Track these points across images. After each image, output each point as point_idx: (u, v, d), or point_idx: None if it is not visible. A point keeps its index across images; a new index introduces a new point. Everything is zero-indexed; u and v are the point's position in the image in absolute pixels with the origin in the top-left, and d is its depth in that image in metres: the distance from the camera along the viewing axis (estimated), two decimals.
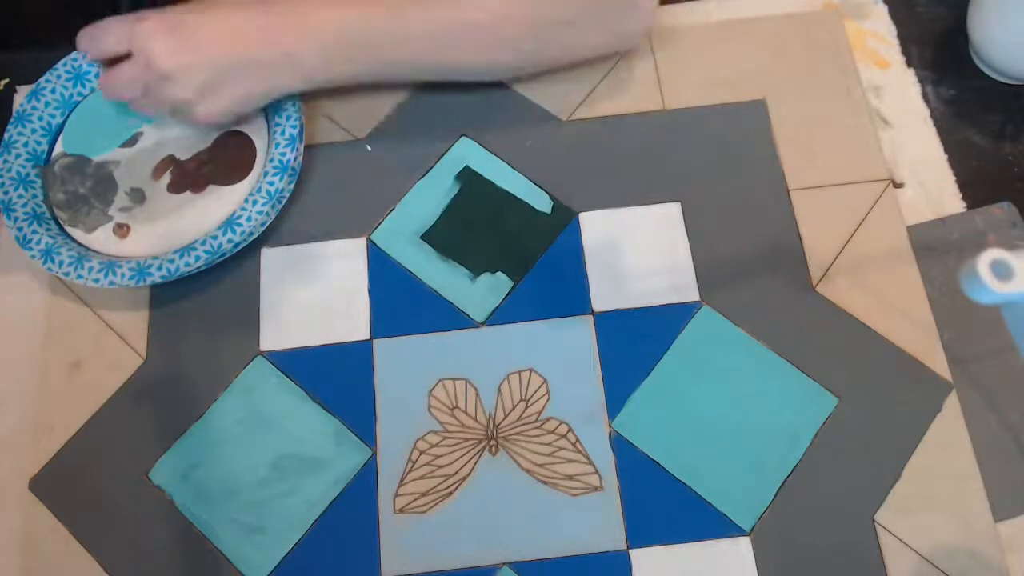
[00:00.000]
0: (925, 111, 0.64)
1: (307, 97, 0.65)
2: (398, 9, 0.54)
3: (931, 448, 0.53)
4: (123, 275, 0.56)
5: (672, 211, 0.60)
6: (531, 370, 0.56)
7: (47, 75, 0.63)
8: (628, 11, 0.58)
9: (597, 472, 0.54)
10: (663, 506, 0.52)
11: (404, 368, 0.57)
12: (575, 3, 0.55)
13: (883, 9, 0.68)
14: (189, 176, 0.61)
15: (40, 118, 0.62)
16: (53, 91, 0.62)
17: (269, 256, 0.60)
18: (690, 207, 0.60)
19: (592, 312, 0.58)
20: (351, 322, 0.58)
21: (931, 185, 0.61)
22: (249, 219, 0.57)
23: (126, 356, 0.58)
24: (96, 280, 0.56)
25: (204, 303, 0.59)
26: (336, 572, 0.52)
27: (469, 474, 0.54)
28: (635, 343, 0.56)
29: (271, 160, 0.59)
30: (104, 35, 0.54)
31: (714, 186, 0.61)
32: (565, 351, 0.57)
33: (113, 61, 0.55)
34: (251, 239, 0.59)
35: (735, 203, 0.60)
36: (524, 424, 0.55)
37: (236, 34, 0.53)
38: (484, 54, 0.57)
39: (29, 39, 0.69)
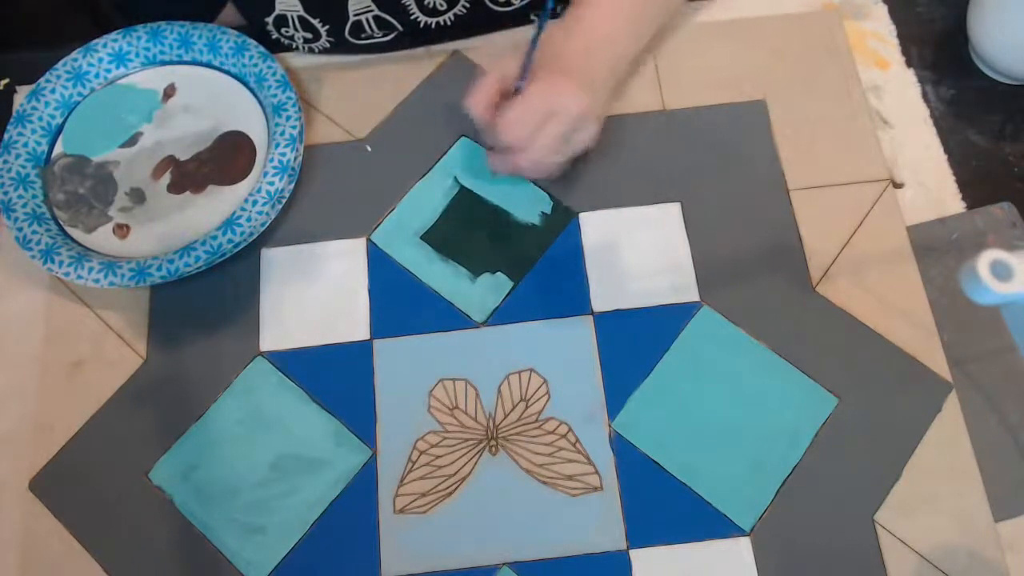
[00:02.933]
0: (925, 111, 0.64)
1: (307, 97, 0.65)
2: None
3: (931, 448, 0.53)
4: (123, 275, 0.56)
5: (672, 211, 0.60)
6: (531, 370, 0.56)
7: (47, 75, 0.63)
8: None
9: (597, 472, 0.54)
10: (663, 506, 0.52)
11: (404, 368, 0.57)
12: None
13: (883, 9, 0.68)
14: (189, 176, 0.61)
15: (40, 118, 0.62)
16: (53, 91, 0.62)
17: (269, 256, 0.60)
18: (690, 207, 0.60)
19: (592, 312, 0.57)
20: (351, 322, 0.58)
21: (931, 185, 0.61)
22: (249, 219, 0.57)
23: (126, 356, 0.58)
24: (96, 280, 0.56)
25: (204, 303, 0.59)
26: (336, 572, 0.52)
27: (469, 474, 0.54)
28: (635, 343, 0.56)
29: (271, 160, 0.59)
30: (528, 116, 0.54)
31: (714, 186, 0.61)
32: (565, 351, 0.57)
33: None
34: (251, 239, 0.59)
35: (735, 203, 0.60)
36: (524, 424, 0.55)
37: (593, 62, 0.57)
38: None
39: (29, 39, 0.69)
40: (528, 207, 0.61)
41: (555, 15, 0.68)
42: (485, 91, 0.56)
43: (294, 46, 0.67)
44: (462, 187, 0.62)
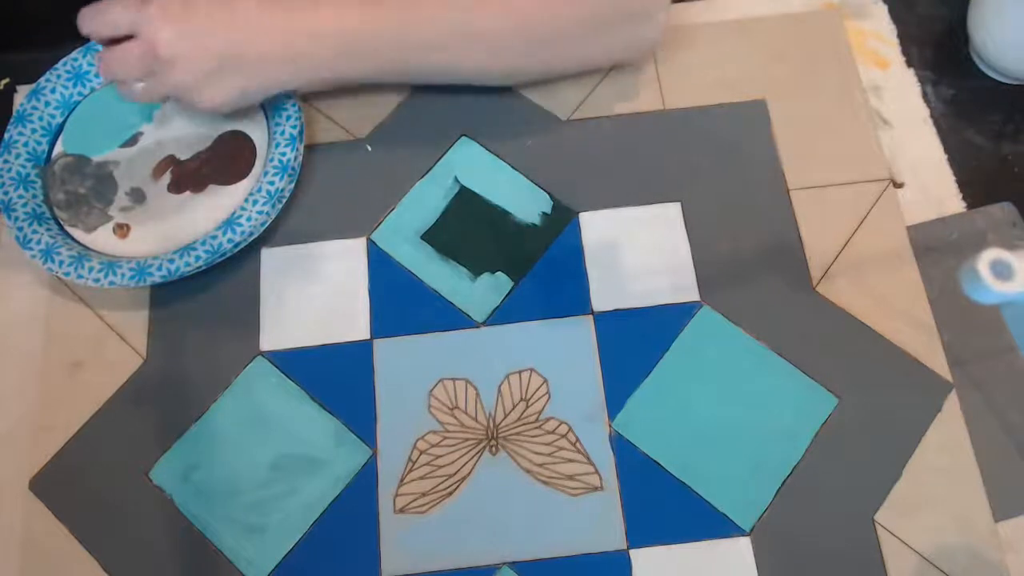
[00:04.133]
0: (925, 111, 0.64)
1: (307, 97, 0.65)
2: (405, 15, 0.54)
3: (931, 448, 0.53)
4: (123, 275, 0.56)
5: (672, 211, 0.60)
6: (531, 370, 0.56)
7: (47, 75, 0.63)
8: (638, 25, 0.58)
9: (597, 472, 0.54)
10: (663, 506, 0.52)
11: (404, 368, 0.57)
12: (583, 17, 0.55)
13: (883, 9, 0.68)
14: (189, 176, 0.61)
15: (40, 118, 0.62)
16: (53, 91, 0.62)
17: (269, 256, 0.60)
18: (690, 207, 0.60)
19: (592, 312, 0.58)
20: (351, 322, 0.58)
21: (931, 185, 0.61)
22: (249, 219, 0.57)
23: (126, 356, 0.58)
24: (96, 280, 0.56)
25: (204, 303, 0.59)
26: (336, 572, 0.52)
27: (469, 474, 0.54)
28: (635, 343, 0.56)
29: (271, 160, 0.59)
30: (108, 15, 0.52)
31: (714, 186, 0.61)
32: (565, 351, 0.57)
33: (113, 42, 0.54)
34: (251, 239, 0.59)
35: (735, 203, 0.60)
36: (524, 424, 0.55)
37: (244, 27, 0.53)
38: (491, 62, 0.58)
39: (29, 39, 0.69)
40: (528, 207, 0.61)
41: None
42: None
43: None
44: (462, 187, 0.62)
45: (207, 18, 0.52)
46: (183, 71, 0.52)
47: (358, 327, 0.58)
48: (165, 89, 0.54)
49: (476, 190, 0.62)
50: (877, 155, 0.61)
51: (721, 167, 0.61)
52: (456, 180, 0.62)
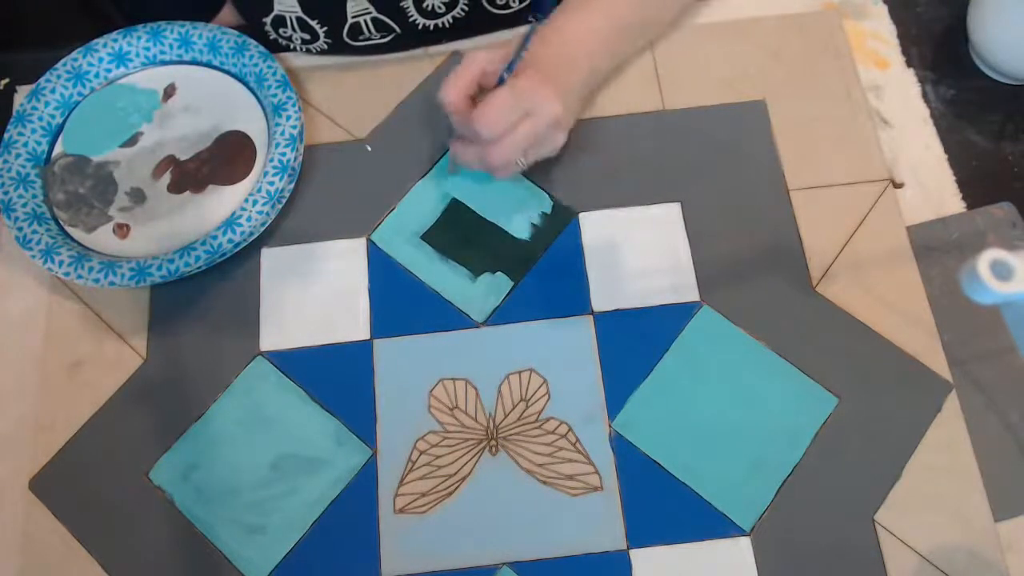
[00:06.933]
0: (925, 111, 0.64)
1: (307, 97, 0.65)
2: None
3: (931, 448, 0.53)
4: (123, 275, 0.56)
5: (672, 211, 0.60)
6: (531, 370, 0.56)
7: (47, 75, 0.63)
8: None
9: (597, 472, 0.54)
10: (663, 506, 0.52)
11: (404, 368, 0.57)
12: None
13: (883, 9, 0.68)
14: (189, 176, 0.61)
15: (40, 118, 0.62)
16: (53, 91, 0.62)
17: (269, 256, 0.60)
18: (690, 207, 0.60)
19: (592, 312, 0.58)
20: (351, 322, 0.58)
21: (931, 185, 0.61)
22: (249, 219, 0.57)
23: (126, 356, 0.58)
24: (96, 280, 0.56)
25: (204, 303, 0.59)
26: (336, 572, 0.52)
27: (469, 474, 0.54)
28: (635, 343, 0.56)
29: (271, 160, 0.59)
30: (502, 116, 0.53)
31: (714, 186, 0.61)
32: (565, 351, 0.57)
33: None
34: (251, 239, 0.59)
35: (735, 203, 0.60)
36: (524, 424, 0.55)
37: (584, 62, 0.58)
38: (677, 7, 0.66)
39: (29, 39, 0.69)
40: (528, 207, 0.61)
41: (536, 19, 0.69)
42: (464, 79, 0.55)
43: (292, 47, 0.67)
44: (462, 187, 0.62)
45: (554, 77, 0.55)
46: (564, 126, 0.56)
47: (358, 327, 0.58)
48: (544, 151, 0.57)
49: (476, 190, 0.62)
50: (877, 155, 0.61)
51: (721, 167, 0.61)
52: (456, 180, 0.62)
